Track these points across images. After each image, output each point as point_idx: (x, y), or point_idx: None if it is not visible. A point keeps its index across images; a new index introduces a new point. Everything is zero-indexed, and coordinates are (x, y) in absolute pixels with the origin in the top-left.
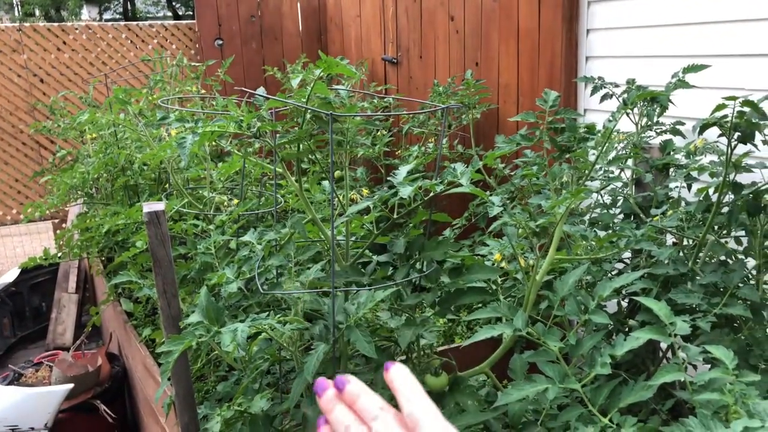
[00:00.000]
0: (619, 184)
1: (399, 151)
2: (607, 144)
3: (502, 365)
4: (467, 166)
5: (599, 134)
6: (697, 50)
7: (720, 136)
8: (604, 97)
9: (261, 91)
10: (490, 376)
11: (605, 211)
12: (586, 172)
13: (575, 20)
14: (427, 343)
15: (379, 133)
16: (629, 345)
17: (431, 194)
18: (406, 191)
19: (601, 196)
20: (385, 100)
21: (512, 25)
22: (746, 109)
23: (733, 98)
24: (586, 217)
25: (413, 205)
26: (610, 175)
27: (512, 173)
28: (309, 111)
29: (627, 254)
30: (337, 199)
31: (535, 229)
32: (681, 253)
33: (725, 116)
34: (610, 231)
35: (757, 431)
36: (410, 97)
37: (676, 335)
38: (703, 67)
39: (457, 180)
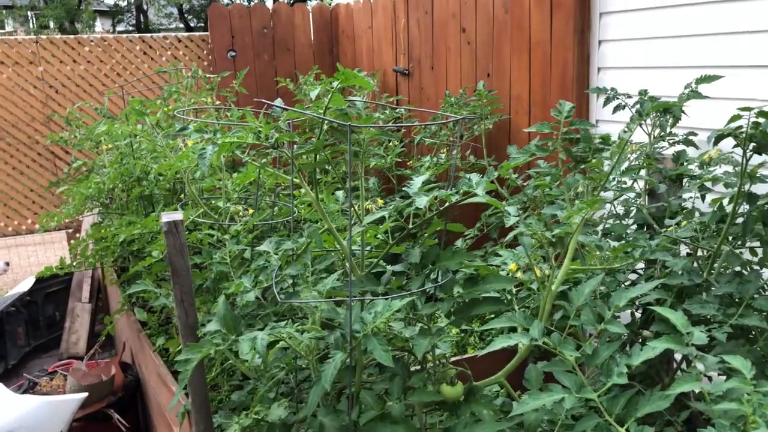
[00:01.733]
0: (632, 195)
1: (411, 162)
2: (621, 154)
3: (516, 375)
4: (482, 177)
5: (614, 145)
6: (709, 61)
7: (735, 146)
8: (616, 108)
9: (279, 102)
10: (506, 385)
11: (618, 221)
12: (601, 182)
13: (587, 31)
14: (441, 353)
15: (391, 143)
16: (646, 355)
17: (446, 204)
18: (422, 201)
19: (614, 206)
20: (397, 111)
21: (524, 37)
22: (761, 119)
23: (748, 109)
24: (599, 228)
25: (428, 215)
26: (623, 186)
27: (525, 184)
28: (326, 122)
29: (640, 265)
30: (352, 209)
31: (551, 239)
32: (695, 264)
33: (740, 127)
34: (623, 241)
35: None
36: (421, 108)
37: (692, 345)
38: (716, 77)
39: (472, 190)
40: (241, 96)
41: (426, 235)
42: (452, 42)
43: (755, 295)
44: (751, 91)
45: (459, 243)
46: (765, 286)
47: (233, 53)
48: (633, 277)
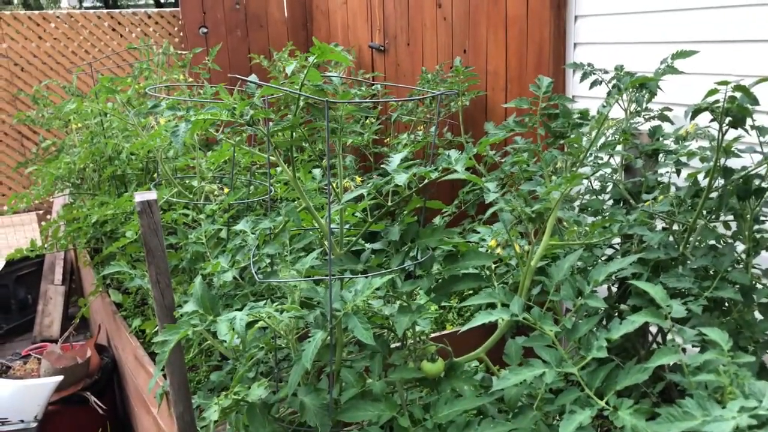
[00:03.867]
0: (609, 170)
1: (387, 140)
2: (599, 130)
3: (496, 351)
4: (461, 153)
5: (593, 120)
6: (684, 36)
7: (711, 121)
8: (593, 84)
9: (253, 78)
10: (486, 361)
11: (595, 197)
12: (580, 157)
13: (563, 6)
14: (421, 330)
15: (368, 120)
16: (625, 328)
17: (425, 181)
18: (401, 178)
19: (591, 182)
20: (374, 87)
21: (500, 12)
22: (737, 94)
23: (725, 83)
24: (576, 203)
25: (407, 192)
26: (600, 162)
27: (502, 160)
28: (303, 98)
29: (617, 240)
30: (330, 186)
31: (531, 214)
32: (671, 238)
33: (717, 101)
34: (599, 217)
35: (752, 411)
36: (398, 84)
37: (670, 318)
38: (691, 53)
39: (451, 167)
40: (214, 73)
41: (405, 212)
42: (428, 17)
43: (729, 268)
44: (725, 66)
45: (437, 220)
46: (739, 258)
47: (205, 30)
48: (610, 252)
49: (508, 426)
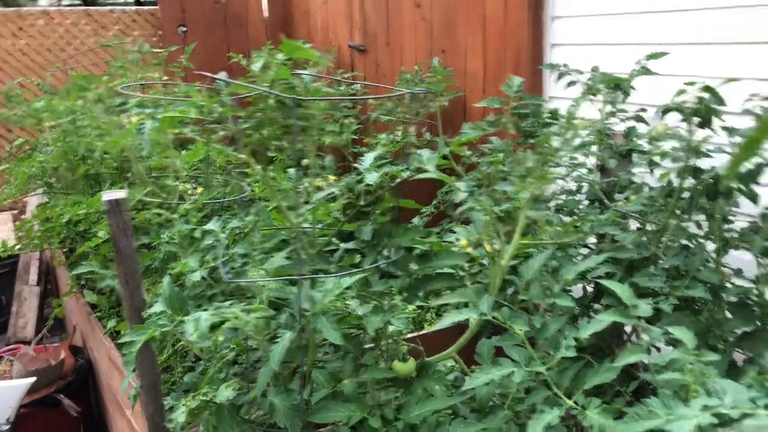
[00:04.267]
0: (585, 171)
1: (367, 139)
2: (571, 130)
3: (471, 350)
4: (434, 153)
5: (563, 119)
6: (658, 38)
7: (682, 121)
8: (569, 84)
9: (223, 75)
10: (458, 361)
11: (570, 197)
12: (550, 157)
13: (540, 7)
14: (396, 329)
15: (346, 120)
16: (593, 328)
17: (397, 180)
18: (372, 177)
19: (567, 182)
20: (353, 87)
21: (478, 13)
22: (705, 94)
23: (692, 84)
24: (552, 203)
25: (379, 192)
26: (575, 162)
27: (480, 160)
28: (273, 96)
29: (593, 240)
30: (303, 186)
31: (499, 214)
32: (644, 238)
33: (686, 102)
34: (574, 216)
35: (715, 409)
36: (378, 84)
37: (639, 318)
38: (663, 54)
39: (423, 166)
40: (191, 72)
41: (378, 212)
42: (408, 18)
43: (700, 267)
44: (700, 67)
45: (416, 220)
46: (709, 258)
47: (184, 28)
48: (586, 251)
49: (478, 426)
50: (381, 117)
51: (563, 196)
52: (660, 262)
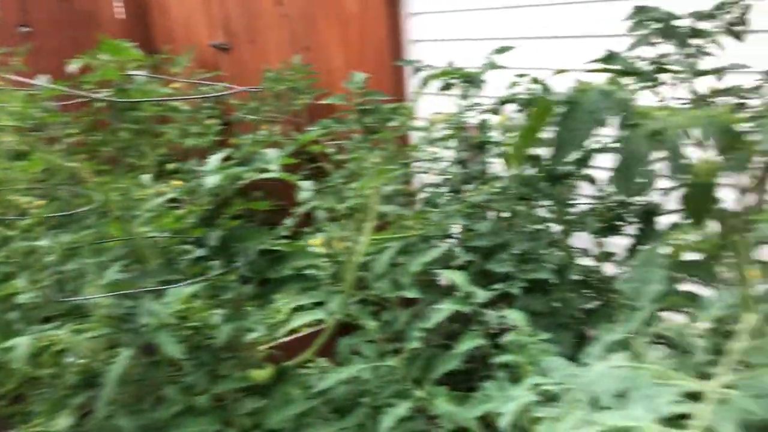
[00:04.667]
0: (447, 164)
1: (232, 140)
2: (428, 125)
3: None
4: (280, 151)
5: (402, 115)
6: (509, 33)
7: (518, 111)
8: (426, 81)
9: (44, 79)
10: (319, 362)
11: (434, 190)
12: (393, 153)
13: (397, 4)
14: (261, 335)
15: (208, 121)
16: (436, 317)
17: (244, 181)
18: (211, 180)
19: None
20: (216, 87)
21: (339, 9)
22: (535, 86)
23: (523, 75)
24: (418, 197)
25: (225, 194)
26: (435, 155)
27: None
28: (101, 99)
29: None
30: (149, 192)
31: (343, 211)
32: (499, 225)
33: (519, 93)
34: (438, 209)
35: (543, 386)
36: (245, 84)
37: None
38: (509, 48)
39: (266, 166)
40: (29, 75)
41: (227, 216)
42: (269, 15)
43: (545, 251)
44: (546, 60)
45: (288, 221)
46: (555, 241)
47: (27, 29)
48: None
49: (335, 426)
50: (245, 117)
51: (430, 189)
52: (511, 247)
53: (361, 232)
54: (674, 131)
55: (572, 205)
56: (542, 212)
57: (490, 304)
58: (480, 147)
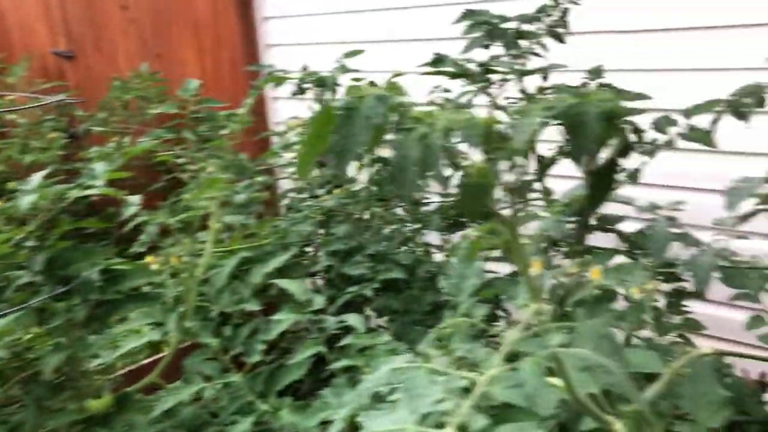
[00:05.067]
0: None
1: (81, 154)
2: (285, 130)
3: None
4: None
5: (234, 123)
6: (360, 37)
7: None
8: (277, 84)
9: None
10: (169, 386)
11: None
12: (229, 161)
13: (249, 8)
14: (109, 361)
15: (52, 135)
16: (275, 329)
17: (69, 200)
18: (26, 200)
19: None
20: (60, 98)
21: (190, 14)
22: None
23: (359, 80)
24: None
25: (51, 214)
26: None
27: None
28: None
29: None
30: None
31: (176, 225)
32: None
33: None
34: (299, 214)
35: (375, 389)
36: (93, 94)
37: (312, 311)
38: (359, 52)
39: (90, 182)
40: None
41: (55, 237)
42: (115, 21)
43: (398, 251)
44: (395, 62)
45: (143, 238)
46: (409, 240)
47: None
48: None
49: None
50: (92, 129)
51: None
52: (366, 249)
53: (202, 245)
54: (437, 134)
55: (425, 204)
56: (400, 212)
57: (346, 307)
58: None
